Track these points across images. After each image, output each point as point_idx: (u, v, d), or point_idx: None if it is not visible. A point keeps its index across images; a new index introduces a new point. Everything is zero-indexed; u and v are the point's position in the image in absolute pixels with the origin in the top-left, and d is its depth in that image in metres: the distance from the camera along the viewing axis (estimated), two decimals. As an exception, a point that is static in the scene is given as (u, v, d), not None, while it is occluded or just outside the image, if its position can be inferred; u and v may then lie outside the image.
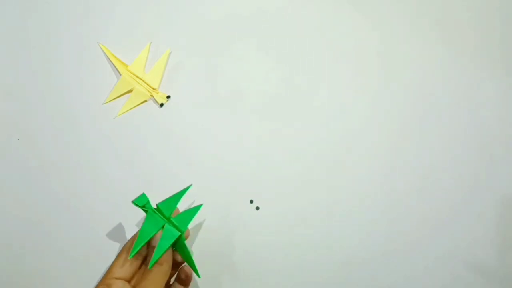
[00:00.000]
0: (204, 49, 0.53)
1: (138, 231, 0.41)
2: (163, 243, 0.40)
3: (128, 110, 0.51)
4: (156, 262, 0.39)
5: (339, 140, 0.51)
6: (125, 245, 0.42)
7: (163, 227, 0.41)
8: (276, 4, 0.54)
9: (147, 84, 0.51)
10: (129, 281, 0.41)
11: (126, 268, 0.41)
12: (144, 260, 0.42)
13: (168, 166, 0.50)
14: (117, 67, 0.52)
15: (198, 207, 0.43)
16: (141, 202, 0.42)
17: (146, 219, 0.41)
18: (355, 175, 0.51)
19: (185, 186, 0.43)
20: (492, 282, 0.49)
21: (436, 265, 0.49)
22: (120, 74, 0.52)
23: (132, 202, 0.41)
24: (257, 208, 0.50)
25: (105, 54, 0.52)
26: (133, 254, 0.40)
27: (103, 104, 0.51)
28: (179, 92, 0.52)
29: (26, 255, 0.49)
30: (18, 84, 0.52)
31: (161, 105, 0.51)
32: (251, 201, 0.50)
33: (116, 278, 0.40)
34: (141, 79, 0.51)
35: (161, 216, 0.41)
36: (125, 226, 0.49)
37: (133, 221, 0.49)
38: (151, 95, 0.51)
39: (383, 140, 0.51)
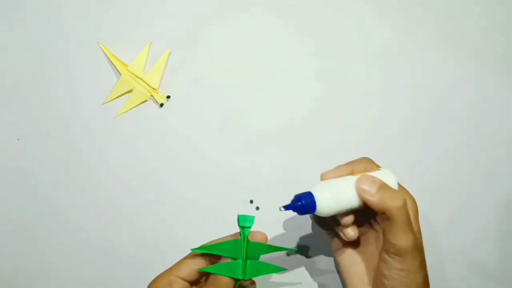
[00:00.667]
0: (204, 49, 0.53)
1: (219, 239, 0.40)
2: (222, 268, 0.38)
3: (128, 110, 0.51)
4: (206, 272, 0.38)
5: (339, 140, 0.51)
6: (191, 253, 0.40)
7: (235, 259, 0.38)
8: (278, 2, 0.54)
9: (147, 84, 0.51)
10: (190, 284, 0.39)
11: (192, 272, 0.39)
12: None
13: (168, 166, 0.50)
14: (117, 67, 0.52)
15: (279, 269, 0.40)
16: (246, 223, 0.39)
17: (234, 241, 0.39)
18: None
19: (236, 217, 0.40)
20: (493, 282, 0.49)
21: (437, 266, 0.49)
22: (120, 74, 0.52)
23: (239, 216, 0.39)
24: (257, 208, 0.50)
25: (105, 54, 0.52)
26: (196, 250, 0.39)
27: (103, 104, 0.51)
28: (179, 92, 0.52)
29: (25, 255, 0.49)
30: (18, 84, 0.52)
31: (161, 105, 0.51)
32: (251, 201, 0.50)
33: (180, 278, 0.39)
34: (141, 79, 0.51)
35: (244, 249, 0.39)
36: (125, 226, 0.49)
37: (133, 221, 0.49)
38: (151, 95, 0.51)
39: (383, 140, 0.51)
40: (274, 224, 0.49)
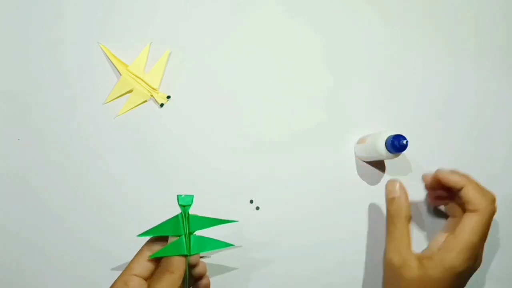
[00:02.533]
0: (204, 50, 0.53)
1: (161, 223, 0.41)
2: (168, 249, 0.40)
3: (128, 110, 0.51)
4: (153, 251, 0.40)
5: (340, 140, 0.51)
6: (146, 242, 0.42)
7: (179, 236, 0.40)
8: (277, 2, 0.54)
9: (147, 84, 0.51)
10: (146, 279, 0.40)
11: (145, 266, 0.40)
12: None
13: (168, 166, 0.50)
14: (117, 67, 0.52)
15: (226, 245, 0.42)
16: (185, 202, 0.41)
17: (172, 219, 0.41)
18: (355, 177, 0.51)
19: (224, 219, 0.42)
20: (494, 283, 0.49)
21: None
22: (120, 74, 0.52)
23: (178, 195, 0.40)
24: (257, 208, 0.50)
25: (105, 54, 0.52)
26: (141, 235, 0.40)
27: (103, 104, 0.52)
28: (179, 93, 0.52)
29: (25, 255, 0.49)
30: (18, 84, 0.52)
31: (161, 105, 0.51)
32: (251, 201, 0.50)
33: (135, 275, 0.40)
34: (141, 79, 0.51)
35: (186, 225, 0.40)
36: (125, 227, 0.49)
37: (133, 220, 0.49)
38: (151, 95, 0.51)
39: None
40: (274, 224, 0.50)
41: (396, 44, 0.53)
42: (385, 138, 0.44)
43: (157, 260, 0.40)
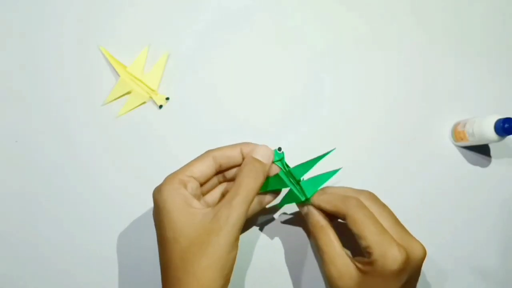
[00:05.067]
0: (203, 51, 0.53)
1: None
2: (286, 200, 0.43)
3: (127, 111, 0.51)
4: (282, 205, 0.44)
5: (339, 144, 0.52)
6: (208, 150, 0.41)
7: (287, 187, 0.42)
8: (275, 3, 0.55)
9: (146, 86, 0.52)
10: (201, 185, 0.41)
11: (205, 172, 0.40)
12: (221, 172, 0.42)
13: (168, 167, 0.50)
14: (116, 68, 0.52)
15: (334, 172, 0.43)
16: (277, 156, 0.42)
17: (274, 178, 0.42)
18: (355, 174, 0.51)
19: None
20: (493, 284, 0.50)
21: (437, 267, 0.49)
22: (119, 76, 0.52)
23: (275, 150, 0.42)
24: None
25: (104, 56, 0.52)
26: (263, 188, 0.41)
27: (102, 105, 0.52)
28: (178, 94, 0.52)
29: (24, 256, 0.49)
30: (17, 85, 0.52)
31: (160, 106, 0.52)
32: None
33: (194, 178, 0.40)
34: (140, 80, 0.52)
35: (291, 178, 0.42)
36: (125, 226, 0.49)
37: (133, 220, 0.49)
38: (150, 97, 0.52)
39: (383, 142, 0.52)
40: (276, 223, 0.50)
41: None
42: (494, 121, 0.45)
43: (215, 169, 0.41)
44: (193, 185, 0.39)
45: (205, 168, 0.40)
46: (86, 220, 0.49)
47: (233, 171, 0.42)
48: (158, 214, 0.38)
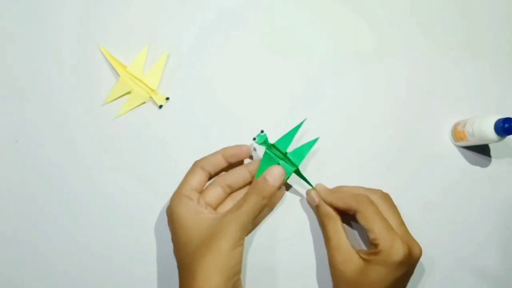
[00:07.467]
0: (203, 51, 0.53)
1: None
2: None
3: (127, 111, 0.51)
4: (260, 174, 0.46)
5: (338, 144, 0.52)
6: (196, 162, 0.47)
7: (278, 164, 0.46)
8: (274, 4, 0.55)
9: (146, 86, 0.52)
10: (199, 193, 0.46)
11: (201, 182, 0.47)
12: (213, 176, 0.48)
13: (167, 167, 0.50)
14: (116, 68, 0.52)
15: (313, 141, 0.48)
16: (261, 139, 0.47)
17: (264, 158, 0.47)
18: (355, 174, 0.51)
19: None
20: (493, 284, 0.50)
21: (437, 268, 0.49)
22: (119, 76, 0.52)
23: (253, 139, 0.47)
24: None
25: (104, 56, 0.52)
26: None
27: (102, 105, 0.52)
28: (178, 94, 0.52)
29: (25, 257, 0.49)
30: (17, 85, 0.52)
31: (160, 106, 0.52)
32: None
33: (193, 190, 0.46)
34: (140, 80, 0.52)
35: (277, 153, 0.47)
36: (125, 226, 0.49)
37: (132, 220, 0.49)
38: (150, 97, 0.52)
39: (383, 142, 0.52)
40: (276, 222, 0.50)
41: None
42: (494, 121, 0.45)
43: (207, 177, 0.47)
44: (195, 196, 0.46)
45: (199, 178, 0.47)
46: (86, 220, 0.49)
47: (240, 183, 0.48)
48: (174, 227, 0.45)
